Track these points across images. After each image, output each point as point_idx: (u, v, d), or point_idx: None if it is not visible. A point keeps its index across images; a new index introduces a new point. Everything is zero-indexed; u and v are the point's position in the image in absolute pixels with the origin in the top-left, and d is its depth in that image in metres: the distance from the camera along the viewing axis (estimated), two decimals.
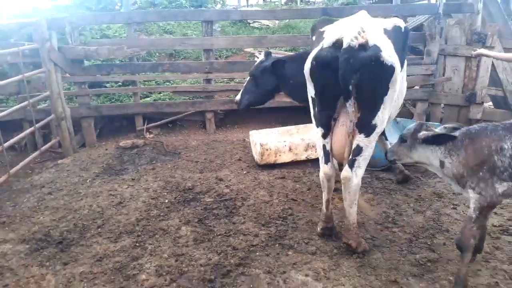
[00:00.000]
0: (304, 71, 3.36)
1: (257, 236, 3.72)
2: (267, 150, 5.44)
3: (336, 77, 3.03)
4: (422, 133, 2.97)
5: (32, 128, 5.72)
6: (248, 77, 5.21)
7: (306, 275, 3.09)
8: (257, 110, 6.93)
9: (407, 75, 7.00)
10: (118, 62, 7.15)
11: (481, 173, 2.67)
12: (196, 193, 4.78)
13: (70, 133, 6.68)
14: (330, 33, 3.20)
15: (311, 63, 3.22)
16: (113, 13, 6.72)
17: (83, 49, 6.42)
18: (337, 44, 3.06)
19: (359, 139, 3.21)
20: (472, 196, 2.74)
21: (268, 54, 5.15)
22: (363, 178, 4.99)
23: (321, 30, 3.45)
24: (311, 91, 3.39)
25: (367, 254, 3.34)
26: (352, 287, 2.93)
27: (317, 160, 3.96)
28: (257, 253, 3.44)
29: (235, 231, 3.84)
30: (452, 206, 4.21)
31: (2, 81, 5.29)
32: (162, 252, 3.51)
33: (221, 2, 13.26)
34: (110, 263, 3.37)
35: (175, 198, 4.66)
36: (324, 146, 3.44)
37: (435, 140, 2.90)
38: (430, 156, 2.97)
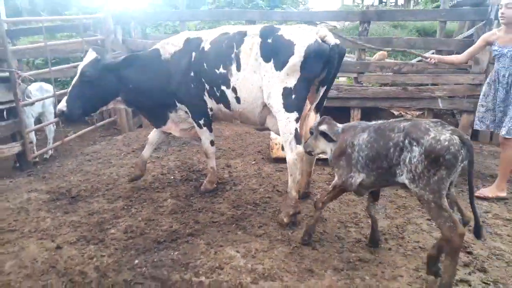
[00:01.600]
0: (292, 61, 3.70)
1: (223, 215, 4.13)
2: (276, 144, 5.75)
3: (323, 66, 3.76)
4: (321, 127, 3.35)
5: None
6: (77, 80, 4.34)
7: (237, 251, 3.42)
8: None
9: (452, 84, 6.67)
10: None
11: (341, 162, 3.21)
12: (202, 174, 5.34)
13: (127, 114, 7.76)
14: (301, 34, 3.77)
15: (307, 54, 3.67)
16: (169, 12, 7.61)
17: (142, 42, 7.40)
18: (322, 40, 3.75)
19: (317, 117, 4.27)
20: (335, 177, 3.35)
21: (100, 51, 4.49)
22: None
23: (192, 37, 4.40)
24: (291, 82, 3.76)
25: (305, 246, 3.53)
26: (269, 267, 3.19)
27: (325, 160, 4.73)
28: (212, 228, 3.86)
29: (208, 208, 4.29)
30: (427, 217, 4.09)
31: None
32: (139, 216, 4.13)
33: (303, 2, 13.55)
34: (96, 218, 4.10)
35: (181, 176, 5.27)
36: (296, 129, 3.86)
37: (325, 136, 3.38)
38: (326, 147, 3.41)
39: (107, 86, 4.38)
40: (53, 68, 5.87)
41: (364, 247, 3.54)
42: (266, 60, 3.83)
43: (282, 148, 5.71)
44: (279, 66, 3.74)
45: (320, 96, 4.05)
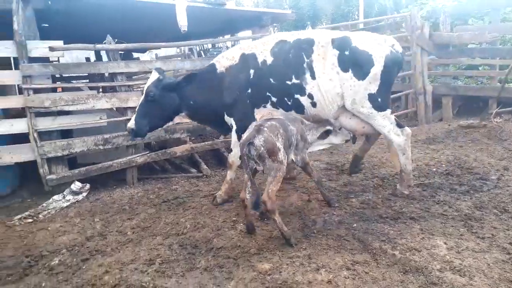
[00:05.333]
0: (373, 71, 4.11)
1: (457, 211, 4.03)
2: None
3: (397, 71, 4.51)
4: None
5: None
6: (142, 99, 4.52)
7: (445, 243, 3.41)
8: None
9: None
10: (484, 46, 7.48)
11: None
12: (470, 172, 5.13)
13: (427, 107, 8.00)
14: (375, 45, 4.19)
15: (386, 63, 4.15)
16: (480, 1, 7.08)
17: (448, 35, 7.38)
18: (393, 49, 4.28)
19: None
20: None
21: (161, 72, 4.61)
22: None
23: (248, 53, 4.41)
24: (373, 88, 4.17)
25: None
26: (467, 265, 3.06)
27: None
28: (437, 219, 3.90)
29: (447, 202, 4.26)
30: None
31: None
32: (380, 194, 4.65)
33: None
34: (348, 188, 4.93)
35: (444, 170, 5.26)
36: (395, 118, 4.45)
37: None
38: None
39: (169, 104, 4.59)
40: None
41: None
42: (344, 70, 4.14)
43: None
44: (361, 76, 4.13)
45: None
